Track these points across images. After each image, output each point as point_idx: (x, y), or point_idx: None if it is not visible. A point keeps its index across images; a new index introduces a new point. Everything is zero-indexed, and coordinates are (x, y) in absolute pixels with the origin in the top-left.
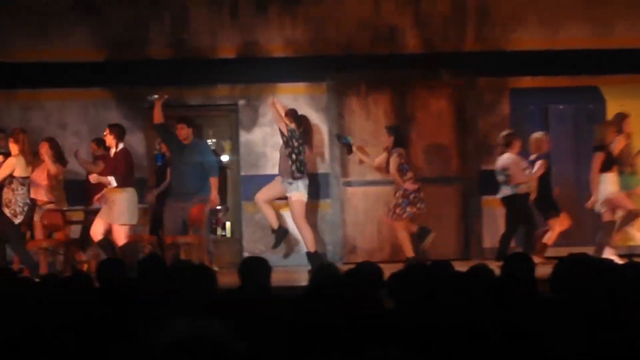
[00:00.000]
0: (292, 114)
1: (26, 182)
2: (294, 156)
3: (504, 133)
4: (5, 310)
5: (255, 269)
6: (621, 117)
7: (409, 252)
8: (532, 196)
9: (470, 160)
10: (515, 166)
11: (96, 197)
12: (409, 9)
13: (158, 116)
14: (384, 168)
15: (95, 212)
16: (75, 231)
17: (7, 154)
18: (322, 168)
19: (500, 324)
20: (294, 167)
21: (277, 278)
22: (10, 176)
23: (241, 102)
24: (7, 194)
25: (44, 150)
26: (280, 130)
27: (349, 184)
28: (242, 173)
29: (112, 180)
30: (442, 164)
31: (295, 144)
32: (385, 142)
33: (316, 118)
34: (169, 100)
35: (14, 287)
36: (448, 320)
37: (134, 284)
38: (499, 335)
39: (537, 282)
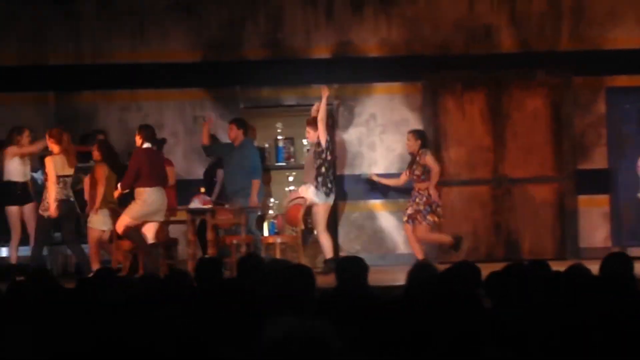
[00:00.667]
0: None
1: (62, 180)
2: (322, 169)
3: None
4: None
5: (351, 269)
6: None
7: (419, 254)
8: None
9: (566, 159)
10: None
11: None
12: (505, 8)
13: (205, 138)
14: (410, 173)
15: (198, 211)
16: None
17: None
18: None
19: (599, 324)
20: (320, 179)
21: (374, 278)
22: (46, 173)
23: (336, 102)
24: (44, 191)
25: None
26: (318, 141)
27: (443, 183)
28: (337, 172)
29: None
30: (537, 163)
31: (329, 157)
32: (410, 147)
33: (411, 118)
34: (264, 100)
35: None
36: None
37: (233, 284)
38: (598, 335)
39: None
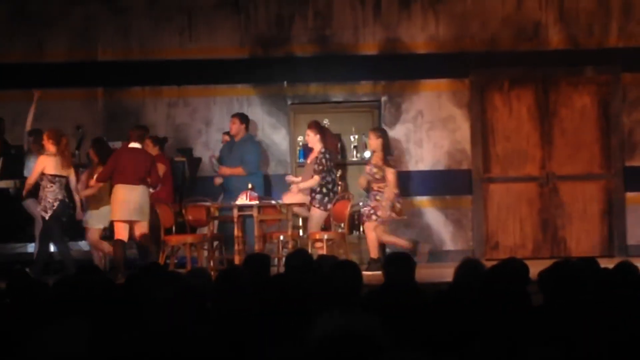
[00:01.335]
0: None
1: (57, 180)
2: (325, 189)
3: None
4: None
5: (399, 265)
6: None
7: (374, 252)
8: None
9: (614, 156)
10: None
11: None
12: (553, 4)
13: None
14: (368, 172)
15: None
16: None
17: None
18: (464, 164)
19: None
20: (318, 197)
21: (421, 274)
22: (42, 173)
23: (384, 99)
24: (40, 190)
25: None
26: (326, 160)
27: (490, 180)
28: None
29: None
30: (585, 160)
31: (333, 176)
32: (370, 145)
33: (458, 114)
34: (312, 97)
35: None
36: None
37: (282, 279)
38: None
39: None
